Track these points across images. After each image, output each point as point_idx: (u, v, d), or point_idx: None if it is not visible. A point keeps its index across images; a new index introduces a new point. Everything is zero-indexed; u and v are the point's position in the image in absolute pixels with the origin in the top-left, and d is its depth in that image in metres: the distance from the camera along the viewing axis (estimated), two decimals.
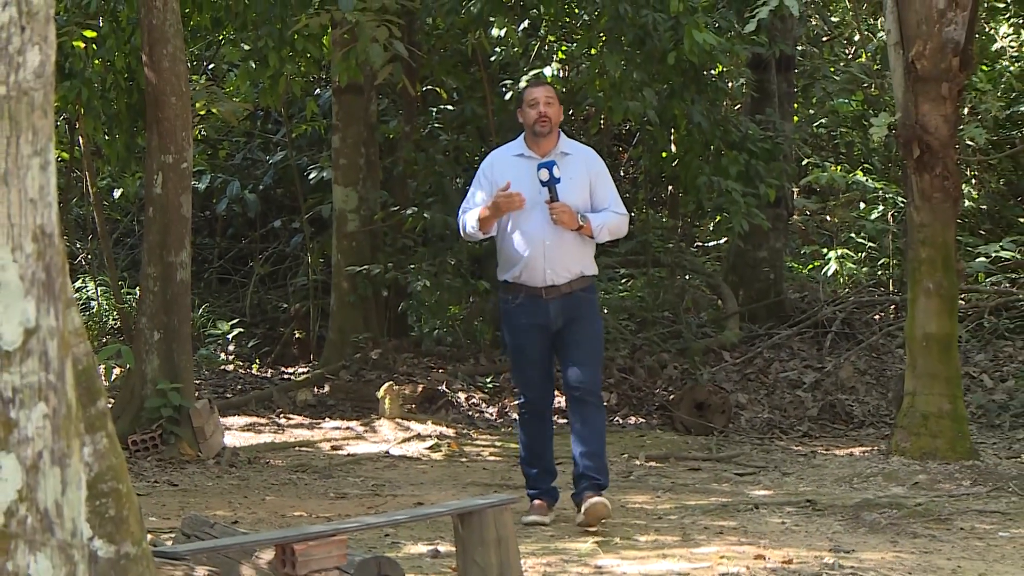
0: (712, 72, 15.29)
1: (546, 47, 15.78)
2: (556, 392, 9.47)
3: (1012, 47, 21.57)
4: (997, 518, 9.20)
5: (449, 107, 16.57)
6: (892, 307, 16.88)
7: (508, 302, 8.54)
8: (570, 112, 17.27)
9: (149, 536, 5.60)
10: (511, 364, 8.90)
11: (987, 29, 20.63)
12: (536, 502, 8.67)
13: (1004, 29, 21.53)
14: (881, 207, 18.68)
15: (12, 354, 3.09)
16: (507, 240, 8.46)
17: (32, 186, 3.14)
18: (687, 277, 17.27)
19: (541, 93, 8.51)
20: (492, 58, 15.67)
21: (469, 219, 8.43)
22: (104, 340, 16.63)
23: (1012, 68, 21.40)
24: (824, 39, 21.98)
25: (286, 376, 16.20)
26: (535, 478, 8.71)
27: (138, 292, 12.88)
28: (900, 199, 17.28)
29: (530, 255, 8.33)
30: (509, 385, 15.05)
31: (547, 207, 8.26)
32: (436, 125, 16.51)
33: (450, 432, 13.20)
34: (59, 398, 3.18)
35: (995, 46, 21.25)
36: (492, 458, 12.31)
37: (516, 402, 8.76)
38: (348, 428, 13.49)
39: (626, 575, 7.37)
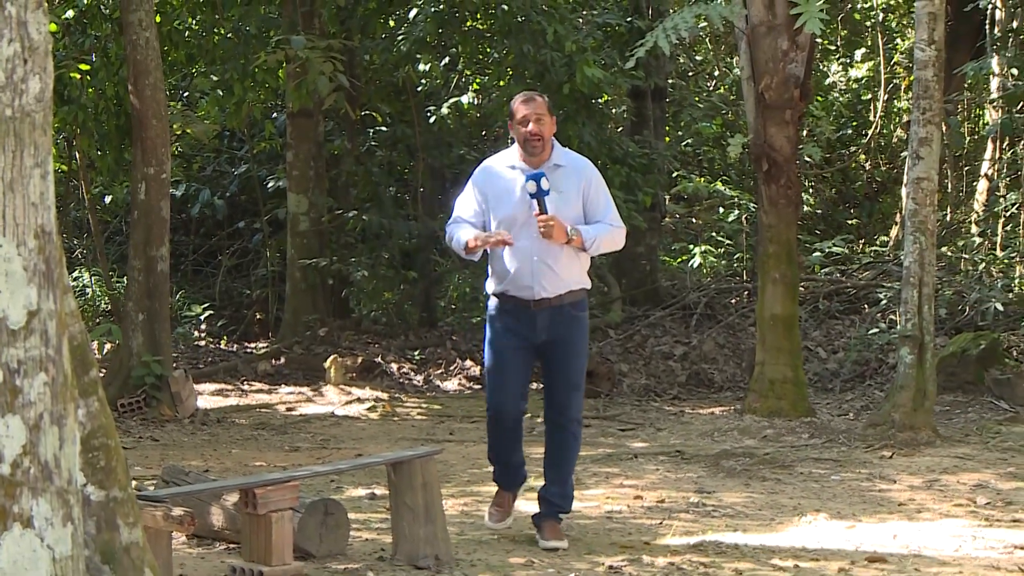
0: (599, 100, 15.31)
1: (463, 79, 15.76)
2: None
3: (841, 82, 21.79)
4: (830, 464, 9.28)
5: (383, 128, 16.50)
6: (746, 293, 16.98)
7: (494, 308, 6.84)
8: (483, 132, 17.27)
9: (134, 482, 5.55)
10: (486, 371, 6.96)
11: (821, 67, 20.82)
12: (497, 499, 7.03)
13: (834, 67, 21.75)
14: (737, 211, 18.80)
15: (17, 332, 3.07)
16: (497, 255, 6.76)
17: (34, 192, 3.11)
18: None
19: (531, 110, 6.69)
20: (419, 88, 15.65)
21: (457, 238, 6.75)
22: (97, 321, 16.46)
23: (841, 99, 21.64)
24: (690, 74, 22.09)
25: (249, 350, 16.10)
26: (499, 471, 7.03)
27: (125, 281, 12.77)
28: (752, 205, 17.39)
29: (519, 270, 6.66)
30: (434, 357, 15.03)
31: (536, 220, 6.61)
32: (373, 143, 16.46)
33: (385, 396, 13.16)
34: (57, 369, 3.15)
35: (828, 81, 21.47)
36: (420, 417, 12.28)
37: (487, 411, 6.91)
38: (300, 393, 13.41)
39: (528, 513, 7.36)
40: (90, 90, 14.16)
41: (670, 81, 18.73)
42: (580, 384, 6.91)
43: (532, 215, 6.57)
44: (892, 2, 21.19)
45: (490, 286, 6.89)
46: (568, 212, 6.64)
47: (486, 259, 6.97)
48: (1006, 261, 15.92)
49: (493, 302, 6.86)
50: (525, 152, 6.73)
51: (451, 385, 14.20)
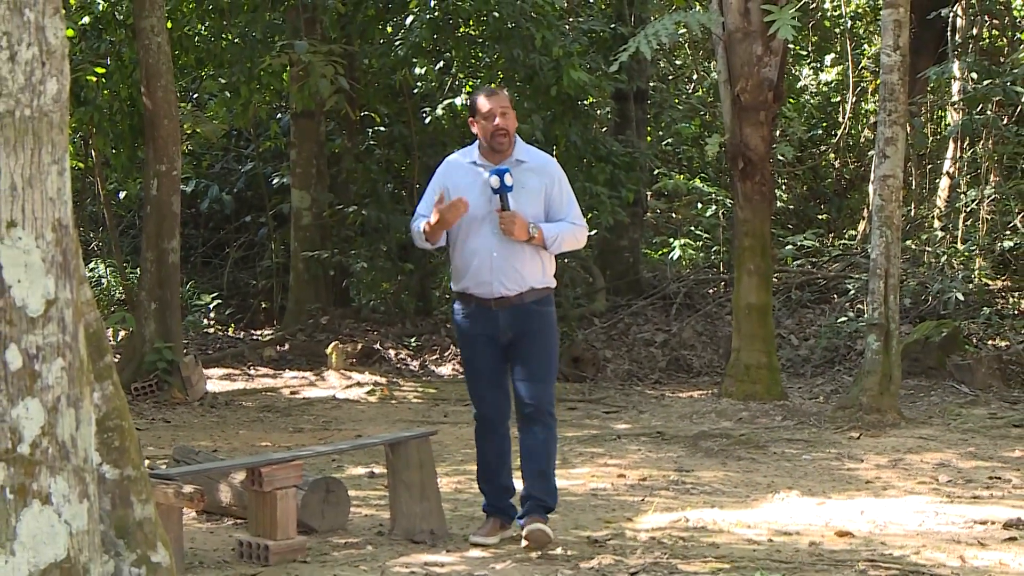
0: (584, 102, 15.29)
1: (457, 82, 15.73)
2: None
3: (812, 85, 21.78)
4: (801, 445, 9.29)
5: (381, 128, 16.47)
6: (722, 283, 16.97)
7: (458, 312, 6.29)
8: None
9: (147, 462, 5.54)
10: (466, 377, 6.42)
11: (794, 71, 20.81)
12: (490, 520, 6.32)
13: (806, 71, 21.74)
14: (714, 207, 18.76)
15: (36, 320, 3.06)
16: (456, 251, 6.23)
17: (51, 187, 3.11)
18: (565, 260, 17.26)
19: (496, 104, 6.17)
20: (415, 90, 15.62)
21: (416, 227, 6.31)
22: (112, 309, 16.42)
23: (812, 101, 21.64)
24: (670, 77, 22.06)
25: (255, 337, 16.08)
26: (489, 494, 6.37)
27: (139, 272, 12.75)
28: (728, 200, 17.36)
29: (477, 267, 6.11)
30: (429, 343, 15.01)
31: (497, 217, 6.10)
32: (371, 142, 16.42)
33: (383, 380, 13.15)
34: (74, 354, 3.15)
35: (799, 84, 21.46)
36: (416, 400, 12.28)
37: (472, 414, 6.37)
38: (303, 377, 13.40)
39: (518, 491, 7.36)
40: (105, 92, 14.13)
41: (651, 84, 18.70)
42: (548, 378, 6.23)
43: (493, 211, 6.10)
44: (860, 10, 21.20)
45: (453, 284, 6.36)
46: (530, 209, 6.13)
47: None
48: (966, 254, 15.95)
49: (457, 304, 6.34)
50: (491, 148, 6.20)
51: (445, 370, 14.19)
